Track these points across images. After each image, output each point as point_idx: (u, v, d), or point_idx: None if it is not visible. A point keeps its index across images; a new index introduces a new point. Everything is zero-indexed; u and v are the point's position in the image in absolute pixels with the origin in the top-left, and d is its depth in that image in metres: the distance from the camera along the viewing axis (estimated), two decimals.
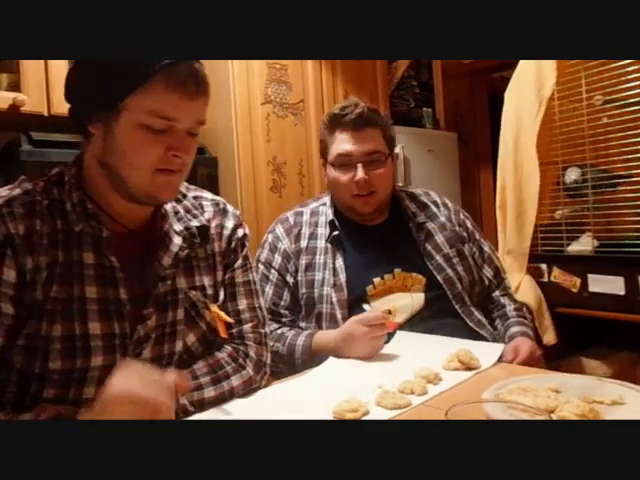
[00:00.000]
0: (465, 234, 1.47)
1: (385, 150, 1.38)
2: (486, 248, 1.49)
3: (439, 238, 1.42)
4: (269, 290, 1.36)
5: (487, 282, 1.45)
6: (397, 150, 2.05)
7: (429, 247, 1.40)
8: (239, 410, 0.88)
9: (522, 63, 1.68)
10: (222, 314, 0.95)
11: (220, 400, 0.90)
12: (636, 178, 1.46)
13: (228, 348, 0.98)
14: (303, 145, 2.16)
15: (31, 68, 1.45)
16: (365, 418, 0.82)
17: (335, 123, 1.38)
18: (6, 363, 0.81)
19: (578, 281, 1.57)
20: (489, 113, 2.71)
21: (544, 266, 1.65)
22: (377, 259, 1.37)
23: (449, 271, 1.37)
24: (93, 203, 0.87)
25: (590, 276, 1.55)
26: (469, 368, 1.04)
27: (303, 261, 1.37)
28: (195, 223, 0.97)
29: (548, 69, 1.58)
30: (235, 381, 0.93)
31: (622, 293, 1.47)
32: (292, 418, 0.82)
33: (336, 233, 1.38)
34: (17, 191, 0.84)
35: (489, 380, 0.95)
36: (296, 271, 1.37)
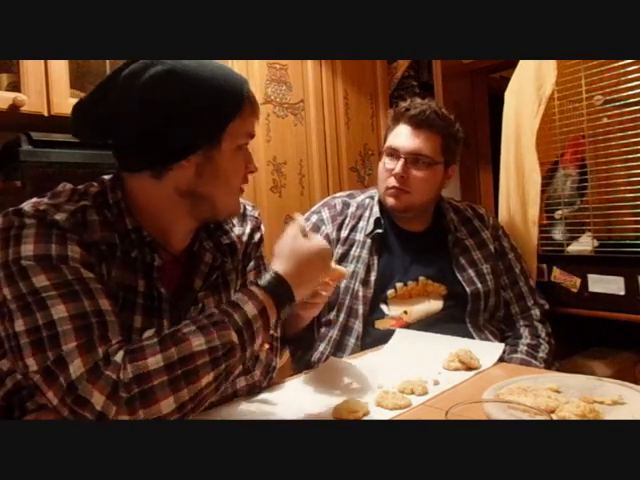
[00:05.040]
0: (497, 252, 1.46)
1: (435, 156, 1.36)
2: (517, 270, 1.47)
3: (476, 255, 1.42)
4: None
5: (509, 307, 1.44)
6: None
7: (463, 261, 1.40)
8: (239, 409, 0.87)
9: (522, 62, 1.67)
10: None
11: (223, 401, 0.89)
12: (636, 178, 1.46)
13: None
14: (303, 145, 2.16)
15: (31, 68, 1.44)
16: (365, 418, 0.82)
17: (398, 116, 1.39)
18: None
19: (578, 281, 1.57)
20: (489, 113, 2.70)
21: (544, 266, 1.65)
22: (407, 265, 1.38)
23: (479, 286, 1.37)
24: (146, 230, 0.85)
25: (590, 276, 1.54)
26: (469, 368, 1.04)
27: (339, 250, 1.38)
28: (225, 240, 0.96)
29: (548, 68, 1.57)
30: (239, 383, 0.92)
31: (622, 293, 1.47)
32: (292, 418, 0.81)
33: (379, 231, 1.38)
34: (85, 201, 0.81)
35: (489, 380, 0.95)
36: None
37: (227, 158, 0.82)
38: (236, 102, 0.80)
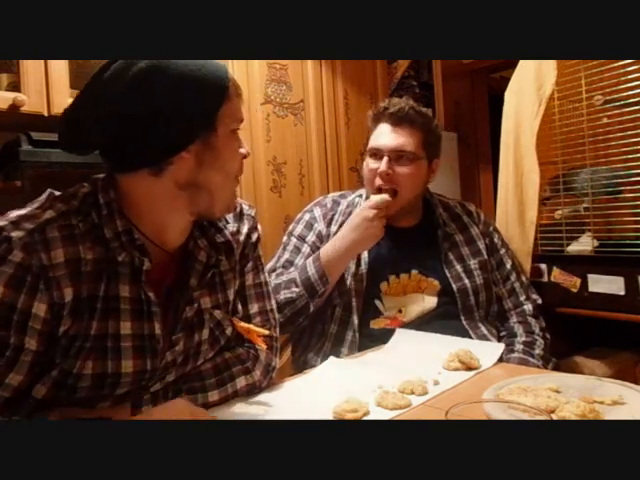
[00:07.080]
0: (487, 248, 1.46)
1: (418, 152, 1.38)
2: (508, 266, 1.47)
3: (464, 250, 1.43)
4: (299, 261, 1.39)
5: (502, 302, 1.45)
6: None
7: (451, 256, 1.41)
8: (239, 409, 0.88)
9: (522, 62, 1.67)
10: (257, 329, 0.94)
11: (223, 401, 0.90)
12: (636, 178, 1.46)
13: (239, 349, 0.97)
14: (303, 145, 2.16)
15: (31, 68, 1.44)
16: (365, 418, 0.82)
17: (379, 116, 1.41)
18: (25, 395, 0.76)
19: (578, 281, 1.57)
20: (489, 113, 2.70)
21: (544, 266, 1.64)
22: (398, 258, 1.40)
23: (466, 282, 1.38)
24: (138, 231, 0.83)
25: (590, 276, 1.54)
26: (469, 368, 1.04)
27: None
28: (220, 239, 0.95)
29: (548, 68, 1.57)
30: (239, 383, 0.92)
31: (622, 293, 1.47)
32: (292, 418, 0.81)
33: None
34: (50, 213, 0.78)
35: (489, 380, 0.95)
36: None
37: (224, 142, 0.83)
38: (222, 85, 0.81)
